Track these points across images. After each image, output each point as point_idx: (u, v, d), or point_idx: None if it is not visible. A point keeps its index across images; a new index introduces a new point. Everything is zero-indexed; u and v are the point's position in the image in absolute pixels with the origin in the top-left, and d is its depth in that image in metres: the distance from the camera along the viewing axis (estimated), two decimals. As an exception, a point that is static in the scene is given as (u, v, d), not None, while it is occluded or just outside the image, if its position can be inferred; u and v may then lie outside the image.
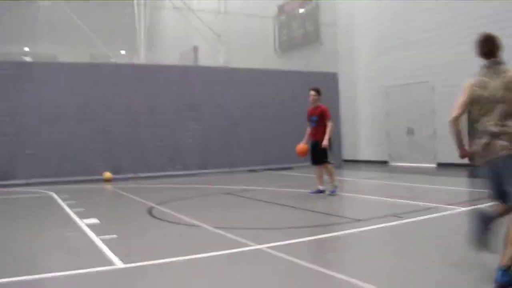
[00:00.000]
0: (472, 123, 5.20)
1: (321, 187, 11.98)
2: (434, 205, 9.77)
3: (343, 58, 23.64)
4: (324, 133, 11.61)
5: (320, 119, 11.82)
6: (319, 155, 11.79)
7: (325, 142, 11.51)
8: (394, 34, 20.94)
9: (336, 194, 11.80)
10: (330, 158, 11.91)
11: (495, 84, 4.95)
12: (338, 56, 23.75)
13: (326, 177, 12.06)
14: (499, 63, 5.09)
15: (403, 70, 20.46)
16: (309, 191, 12.22)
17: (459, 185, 13.06)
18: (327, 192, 11.87)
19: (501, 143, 4.78)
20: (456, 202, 10.10)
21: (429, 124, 18.64)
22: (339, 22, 23.95)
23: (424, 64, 19.49)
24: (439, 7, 18.89)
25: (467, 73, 16.47)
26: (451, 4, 18.39)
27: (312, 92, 12.22)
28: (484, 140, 4.91)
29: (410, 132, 20.06)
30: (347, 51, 23.52)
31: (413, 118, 19.94)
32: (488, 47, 5.20)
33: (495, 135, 4.82)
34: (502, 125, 4.80)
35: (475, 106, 5.09)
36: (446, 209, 9.24)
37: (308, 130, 12.22)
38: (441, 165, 18.31)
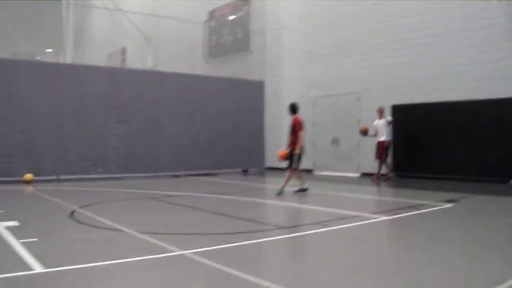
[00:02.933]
0: None
1: (304, 186, 13.46)
2: (358, 214, 10.01)
3: (270, 67, 23.89)
4: (295, 142, 13.10)
5: (293, 129, 13.23)
6: (290, 161, 13.27)
7: (296, 150, 13.05)
8: (321, 44, 21.35)
9: (281, 195, 13.07)
10: (295, 165, 13.23)
11: None
12: (265, 64, 23.95)
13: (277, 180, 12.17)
14: None
15: (330, 80, 20.85)
16: (295, 189, 13.47)
17: (382, 195, 13.36)
18: (275, 192, 13.31)
19: None
20: (380, 211, 10.38)
21: (354, 134, 19.01)
22: (268, 31, 24.17)
23: (350, 74, 19.93)
24: (368, 18, 19.41)
25: (393, 84, 17.15)
26: (381, 15, 18.92)
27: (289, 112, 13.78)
28: None
29: (335, 141, 20.41)
30: (275, 60, 23.78)
31: (338, 128, 20.32)
32: None
33: None
34: None
35: None
36: (369, 218, 9.45)
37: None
38: (364, 175, 18.72)
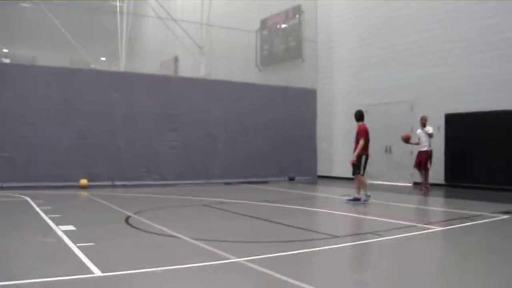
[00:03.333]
0: None
1: (359, 196, 13.51)
2: (411, 224, 9.87)
3: (323, 75, 23.84)
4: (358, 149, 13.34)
5: (356, 136, 13.53)
6: (353, 168, 13.54)
7: (353, 158, 13.40)
8: (373, 51, 21.22)
9: (360, 204, 13.18)
10: (360, 171, 13.45)
11: None
12: (318, 73, 23.90)
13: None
14: None
15: (383, 88, 20.69)
16: (348, 198, 13.75)
17: (435, 205, 13.16)
18: (346, 199, 13.67)
19: None
20: (433, 222, 10.22)
21: (407, 144, 18.76)
22: (320, 39, 24.14)
23: (404, 82, 19.74)
24: (419, 26, 19.19)
25: (447, 92, 16.89)
26: (434, 20, 18.67)
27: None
28: None
29: (387, 150, 20.21)
30: (328, 68, 23.73)
31: (391, 136, 20.10)
32: None
33: None
34: None
35: None
36: (423, 228, 9.32)
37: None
38: (417, 184, 18.47)
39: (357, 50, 22.24)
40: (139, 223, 9.61)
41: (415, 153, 17.30)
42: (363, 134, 13.37)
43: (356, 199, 13.37)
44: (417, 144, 17.18)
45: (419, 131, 17.21)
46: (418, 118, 18.34)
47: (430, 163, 17.10)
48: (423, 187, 16.87)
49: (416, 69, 19.36)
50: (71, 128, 17.39)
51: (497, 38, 16.84)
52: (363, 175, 13.57)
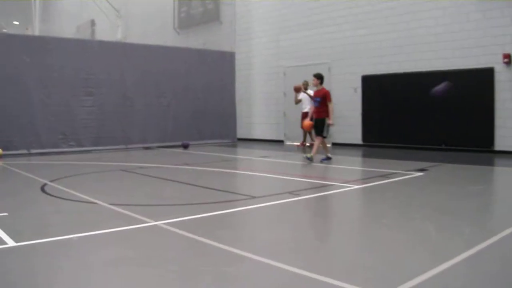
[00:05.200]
0: None
1: (329, 154, 13.96)
2: (329, 183, 10.11)
3: (241, 37, 23.78)
4: (326, 111, 13.63)
5: (322, 100, 13.67)
6: (317, 129, 13.85)
7: (330, 121, 13.63)
8: (292, 14, 21.34)
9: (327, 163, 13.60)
10: (325, 133, 13.89)
11: None
12: (236, 35, 23.84)
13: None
14: None
15: (302, 51, 20.88)
16: (322, 158, 13.87)
17: (352, 164, 13.48)
18: (306, 155, 13.75)
19: None
20: (351, 180, 10.48)
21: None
22: (238, 1, 24.02)
23: (321, 45, 19.97)
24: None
25: (364, 55, 17.29)
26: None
27: (313, 78, 14.05)
28: None
29: (305, 112, 20.47)
30: (246, 30, 23.69)
31: (309, 98, 20.36)
32: None
33: None
34: None
35: None
36: (341, 187, 9.55)
37: (313, 108, 14.23)
38: (336, 145, 18.85)
39: (276, 13, 22.29)
40: (55, 190, 9.46)
41: (339, 116, 17.75)
42: (330, 98, 13.71)
43: (328, 158, 13.87)
44: (297, 104, 19.13)
45: (301, 94, 18.56)
46: (336, 81, 18.71)
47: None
48: (301, 144, 19.06)
49: (334, 31, 19.61)
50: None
51: (412, 2, 17.21)
52: (325, 137, 14.06)
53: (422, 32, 17.01)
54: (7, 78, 17.07)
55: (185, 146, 19.77)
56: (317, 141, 13.88)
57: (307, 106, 18.00)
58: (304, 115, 18.12)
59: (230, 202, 8.50)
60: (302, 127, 15.17)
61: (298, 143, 19.58)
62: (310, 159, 13.43)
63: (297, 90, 18.56)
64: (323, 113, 13.67)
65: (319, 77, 13.98)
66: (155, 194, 9.32)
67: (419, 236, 6.00)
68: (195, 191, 9.69)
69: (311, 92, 17.61)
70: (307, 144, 18.72)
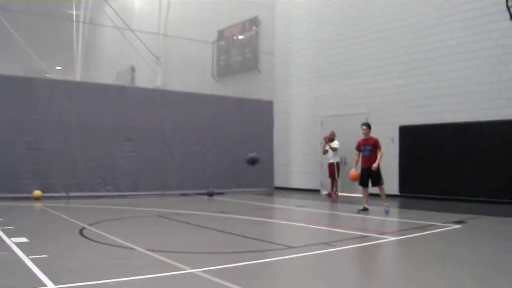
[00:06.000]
0: None
1: (367, 206, 13.83)
2: (365, 234, 10.00)
3: (279, 86, 24.00)
4: (376, 159, 13.56)
5: (373, 148, 13.72)
6: (374, 179, 13.72)
7: (375, 165, 13.47)
8: (330, 64, 21.48)
9: (364, 213, 13.56)
10: (382, 181, 13.80)
11: None
12: (274, 84, 24.05)
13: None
14: None
15: (339, 100, 20.92)
16: (359, 209, 13.92)
17: (389, 215, 13.32)
18: (383, 212, 13.48)
19: None
20: (387, 232, 10.36)
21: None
22: (277, 51, 24.31)
23: (359, 94, 20.01)
24: (378, 39, 19.47)
25: (404, 105, 17.23)
26: (390, 36, 18.99)
27: (364, 127, 14.08)
28: None
29: (343, 161, 20.38)
30: (284, 80, 23.90)
31: (347, 148, 20.28)
32: None
33: None
34: None
35: None
36: (377, 238, 9.43)
37: (357, 157, 14.21)
38: (372, 195, 18.66)
39: (314, 62, 22.46)
40: (93, 234, 9.52)
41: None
42: (380, 146, 13.79)
43: (365, 209, 13.85)
44: (324, 154, 19.90)
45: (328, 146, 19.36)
46: (373, 131, 18.65)
47: (338, 173, 19.47)
48: (333, 194, 19.39)
49: (372, 81, 19.67)
50: (25, 138, 17.11)
51: (450, 52, 17.21)
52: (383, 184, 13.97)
53: (460, 82, 16.95)
54: (50, 122, 17.49)
55: (210, 194, 19.47)
56: (382, 191, 13.84)
57: (333, 156, 19.41)
58: (331, 166, 19.24)
59: (266, 251, 8.44)
60: (351, 178, 14.77)
61: (328, 192, 20.02)
62: (387, 212, 13.44)
63: (329, 139, 19.07)
64: (375, 161, 13.59)
65: (370, 126, 14.08)
66: (191, 241, 9.30)
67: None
68: (231, 239, 9.65)
69: (335, 143, 19.06)
70: (336, 192, 19.54)
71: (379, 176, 13.69)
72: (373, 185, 13.86)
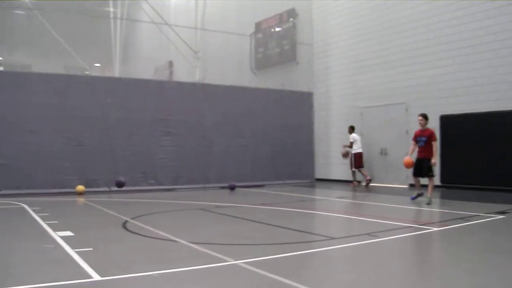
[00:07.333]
0: None
1: (419, 192, 14.02)
2: (408, 224, 9.92)
3: (318, 78, 23.89)
4: (430, 151, 13.70)
5: (428, 139, 13.75)
6: (425, 170, 13.78)
7: (434, 160, 13.65)
8: (369, 54, 21.24)
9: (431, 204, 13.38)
10: (434, 173, 13.85)
11: None
12: (313, 76, 23.96)
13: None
14: None
15: (378, 90, 20.72)
16: (411, 196, 14.23)
17: (431, 206, 13.18)
18: (424, 200, 13.68)
19: None
20: (430, 222, 10.27)
21: (403, 145, 18.79)
22: (316, 42, 24.21)
23: (399, 84, 19.78)
24: (415, 28, 19.24)
25: (442, 95, 17.01)
26: (429, 24, 18.73)
27: (420, 117, 14.15)
28: None
29: (383, 152, 20.24)
30: (323, 71, 23.78)
31: (387, 138, 20.17)
32: None
33: None
34: None
35: None
36: (420, 229, 9.36)
37: (413, 147, 14.29)
38: (413, 186, 18.47)
39: (352, 53, 22.28)
40: (136, 227, 9.62)
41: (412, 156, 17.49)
42: (435, 137, 13.91)
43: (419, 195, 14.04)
44: (350, 147, 20.58)
45: (353, 135, 20.39)
46: (413, 121, 18.45)
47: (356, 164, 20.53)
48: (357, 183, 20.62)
49: (412, 71, 19.40)
50: (67, 134, 17.36)
51: (492, 39, 16.89)
52: (434, 176, 14.00)
53: (502, 70, 16.63)
54: (91, 118, 17.72)
55: (232, 188, 19.05)
56: (430, 183, 13.74)
57: (359, 146, 20.36)
58: (358, 155, 20.13)
59: (309, 242, 8.43)
60: (404, 164, 14.60)
61: (354, 182, 20.76)
62: (429, 203, 13.39)
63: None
64: (429, 152, 13.69)
65: (427, 117, 14.11)
66: (233, 233, 9.33)
67: (502, 283, 5.78)
68: (273, 231, 9.64)
69: (352, 137, 20.15)
70: (356, 182, 20.63)
71: (430, 168, 13.68)
72: (423, 176, 13.91)
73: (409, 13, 19.63)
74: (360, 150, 20.26)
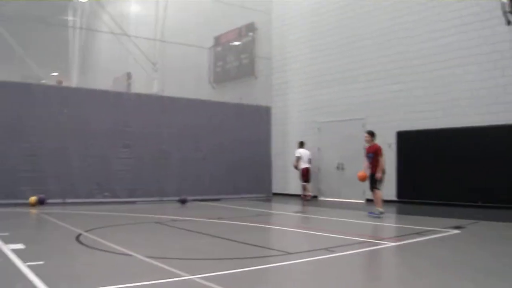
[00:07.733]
0: None
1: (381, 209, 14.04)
2: (364, 239, 9.95)
3: (277, 92, 23.97)
4: (376, 166, 14.12)
5: (374, 155, 14.24)
6: (371, 183, 14.24)
7: (378, 174, 14.05)
8: (328, 70, 21.42)
9: (379, 217, 13.70)
10: (379, 186, 14.17)
11: None
12: (272, 90, 24.03)
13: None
14: None
15: (336, 106, 20.88)
16: (369, 212, 14.38)
17: (386, 221, 13.27)
18: (368, 214, 14.22)
19: None
20: (386, 237, 10.32)
21: (360, 161, 18.88)
22: (274, 56, 24.30)
23: (356, 100, 19.98)
24: (374, 44, 19.49)
25: (400, 111, 17.25)
26: (387, 41, 18.99)
27: (366, 134, 14.83)
28: None
29: (340, 167, 20.35)
30: (281, 85, 23.88)
31: (344, 154, 20.30)
32: None
33: None
34: None
35: None
36: (376, 244, 9.40)
37: (366, 163, 14.60)
38: (370, 201, 18.61)
39: (311, 68, 22.42)
40: (90, 241, 9.44)
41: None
42: (381, 153, 14.33)
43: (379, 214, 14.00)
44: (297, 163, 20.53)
45: (300, 151, 20.45)
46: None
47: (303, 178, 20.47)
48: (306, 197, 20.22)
49: (370, 86, 19.62)
50: (22, 144, 17.02)
51: (448, 57, 17.19)
52: (379, 189, 14.25)
53: (458, 87, 16.93)
54: (47, 128, 17.44)
55: (183, 202, 18.80)
56: (375, 196, 14.15)
57: (305, 161, 20.32)
58: (304, 170, 20.12)
59: (265, 257, 8.37)
60: (358, 178, 14.87)
61: (304, 195, 20.41)
62: (379, 215, 13.78)
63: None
64: (375, 167, 14.14)
65: (373, 134, 14.64)
66: (189, 248, 9.22)
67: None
68: (230, 246, 9.57)
69: (297, 152, 20.34)
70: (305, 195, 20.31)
71: (374, 182, 14.13)
72: (370, 189, 14.43)
73: (368, 30, 19.87)
74: (307, 165, 20.26)
